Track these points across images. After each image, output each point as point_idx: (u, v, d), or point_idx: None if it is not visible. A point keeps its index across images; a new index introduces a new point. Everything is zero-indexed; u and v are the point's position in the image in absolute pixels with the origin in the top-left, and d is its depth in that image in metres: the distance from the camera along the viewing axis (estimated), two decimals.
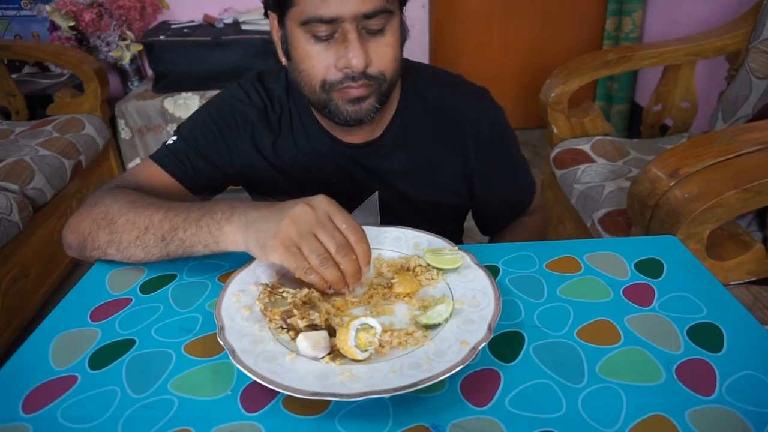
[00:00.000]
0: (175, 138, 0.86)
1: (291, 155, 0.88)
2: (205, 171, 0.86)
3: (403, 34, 0.78)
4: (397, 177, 0.90)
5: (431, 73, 0.91)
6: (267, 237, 0.61)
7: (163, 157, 0.85)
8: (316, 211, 0.61)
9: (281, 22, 0.76)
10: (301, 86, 0.78)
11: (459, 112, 0.88)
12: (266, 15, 0.80)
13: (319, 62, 0.73)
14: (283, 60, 0.80)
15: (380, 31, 0.72)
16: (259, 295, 0.62)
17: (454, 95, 0.89)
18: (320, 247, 0.60)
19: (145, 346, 0.61)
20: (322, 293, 0.64)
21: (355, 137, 0.86)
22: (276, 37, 0.79)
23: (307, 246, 0.60)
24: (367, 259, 0.63)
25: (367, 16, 0.70)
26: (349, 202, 0.84)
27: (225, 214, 0.67)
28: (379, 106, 0.78)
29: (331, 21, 0.69)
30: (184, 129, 0.87)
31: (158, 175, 0.84)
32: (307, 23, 0.70)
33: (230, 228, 0.66)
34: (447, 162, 0.90)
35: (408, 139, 0.88)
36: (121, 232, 0.71)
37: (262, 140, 0.88)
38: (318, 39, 0.71)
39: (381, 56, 0.74)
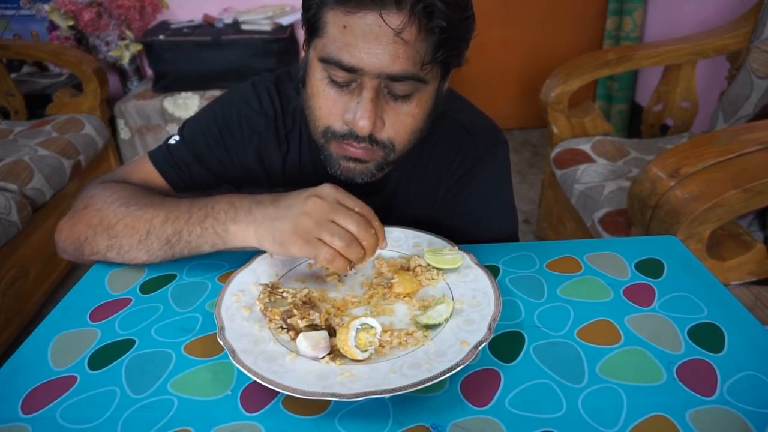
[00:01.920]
0: (177, 138, 0.83)
1: (296, 177, 0.84)
2: (202, 175, 0.83)
3: (435, 105, 0.70)
4: (399, 220, 0.84)
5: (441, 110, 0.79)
6: (284, 234, 0.62)
7: (161, 157, 0.82)
8: (326, 200, 0.62)
9: (307, 45, 0.69)
10: (307, 119, 0.72)
11: (458, 155, 0.81)
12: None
13: (326, 106, 0.67)
14: (300, 85, 0.73)
15: (405, 98, 0.65)
16: (259, 295, 0.61)
17: (466, 138, 0.81)
18: (341, 231, 0.61)
19: (145, 346, 0.61)
20: (325, 287, 0.63)
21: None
22: (301, 55, 0.72)
23: (328, 232, 0.60)
24: (383, 234, 0.64)
25: (393, 78, 0.62)
26: None
27: (228, 215, 0.66)
28: (376, 173, 0.71)
29: (351, 70, 0.62)
30: (187, 129, 0.84)
31: (153, 175, 0.82)
32: (325, 61, 0.63)
33: (237, 228, 0.66)
34: (447, 205, 0.84)
35: (411, 183, 0.83)
36: (121, 237, 0.71)
37: (269, 155, 0.83)
38: (333, 82, 0.65)
39: (396, 124, 0.66)
